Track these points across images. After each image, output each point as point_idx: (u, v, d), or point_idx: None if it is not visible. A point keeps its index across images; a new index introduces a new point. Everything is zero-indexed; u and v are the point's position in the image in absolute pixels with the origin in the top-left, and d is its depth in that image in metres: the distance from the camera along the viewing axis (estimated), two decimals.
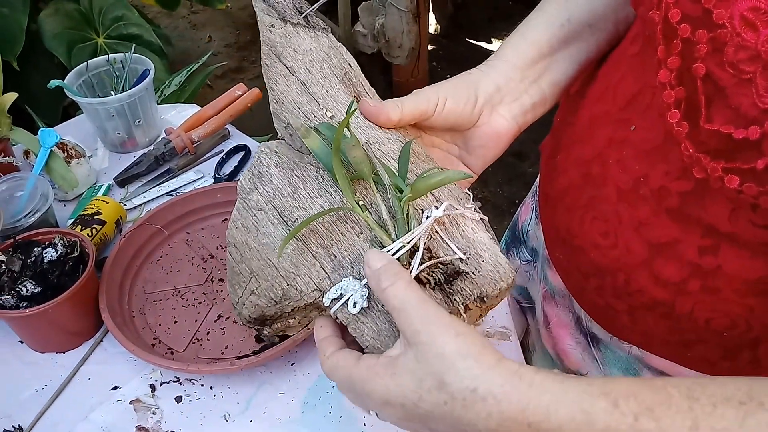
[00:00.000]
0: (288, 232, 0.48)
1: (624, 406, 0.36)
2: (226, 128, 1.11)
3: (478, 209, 0.50)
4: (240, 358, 0.75)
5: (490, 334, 0.78)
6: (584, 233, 0.58)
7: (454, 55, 3.05)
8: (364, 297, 0.44)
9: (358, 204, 0.47)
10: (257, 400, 0.72)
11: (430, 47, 2.88)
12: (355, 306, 0.44)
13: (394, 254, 0.44)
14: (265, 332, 0.51)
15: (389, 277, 0.41)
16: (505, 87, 0.58)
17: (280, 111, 0.55)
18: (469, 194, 0.52)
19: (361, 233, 0.48)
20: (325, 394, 0.73)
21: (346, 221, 0.48)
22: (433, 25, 3.15)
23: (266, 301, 0.48)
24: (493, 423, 0.37)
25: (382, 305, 0.44)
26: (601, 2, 0.60)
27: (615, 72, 0.57)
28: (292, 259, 0.47)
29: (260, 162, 0.52)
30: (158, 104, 1.15)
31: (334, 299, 0.45)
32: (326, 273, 0.47)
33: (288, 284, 0.47)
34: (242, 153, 1.07)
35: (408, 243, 0.44)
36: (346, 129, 0.51)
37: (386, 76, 2.71)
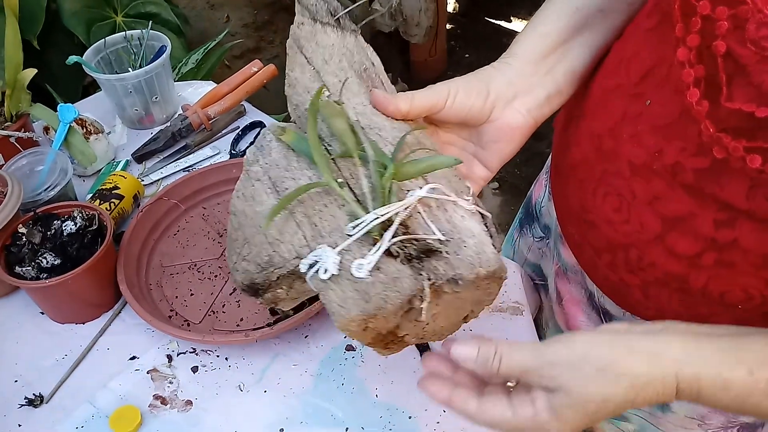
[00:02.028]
0: (278, 200, 0.50)
1: (758, 374, 0.42)
2: (242, 105, 1.12)
3: (479, 204, 0.50)
4: (255, 329, 0.76)
5: (503, 308, 0.78)
6: (596, 208, 0.57)
7: (472, 34, 3.01)
8: (336, 264, 0.45)
9: (336, 180, 0.49)
10: (271, 371, 0.74)
11: (448, 26, 2.85)
12: (326, 272, 0.45)
13: (366, 226, 0.45)
14: (259, 302, 0.53)
15: (493, 357, 0.44)
16: (518, 81, 0.57)
17: (292, 94, 0.58)
18: (469, 187, 0.52)
19: (343, 206, 0.49)
20: (338, 366, 0.73)
21: (330, 194, 0.50)
22: (451, 3, 3.11)
23: (254, 266, 0.49)
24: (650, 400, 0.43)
25: (352, 273, 0.44)
26: None
27: (629, 45, 0.56)
28: (279, 226, 0.49)
29: (264, 137, 0.55)
30: (175, 82, 1.16)
31: (311, 266, 0.46)
32: (306, 241, 0.48)
33: (273, 250, 0.48)
34: (258, 129, 1.08)
35: (382, 216, 0.45)
36: (334, 101, 0.53)
37: (404, 56, 2.69)
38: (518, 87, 0.57)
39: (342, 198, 0.48)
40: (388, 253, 0.45)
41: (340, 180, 0.49)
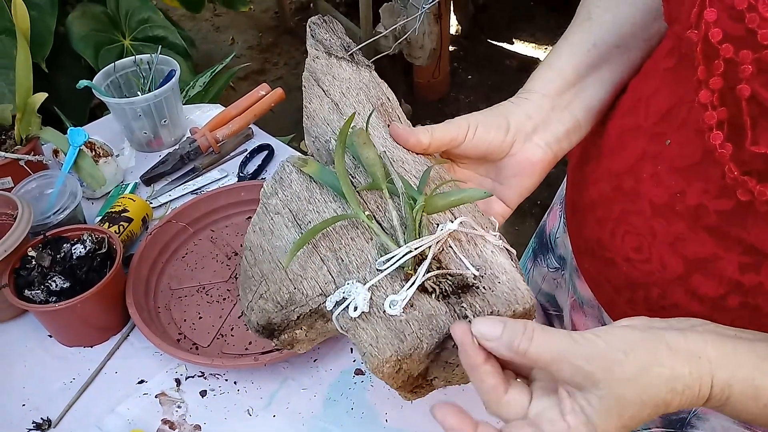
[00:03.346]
0: (300, 234, 0.48)
1: None
2: (250, 128, 1.12)
3: (503, 238, 0.49)
4: (263, 353, 0.76)
5: None
6: (615, 246, 0.57)
7: (475, 56, 3.04)
8: (366, 301, 0.43)
9: (365, 213, 0.47)
10: (280, 396, 0.73)
11: (451, 48, 2.87)
12: (355, 310, 0.43)
13: (398, 260, 0.43)
14: (273, 344, 0.50)
15: (521, 337, 0.39)
16: (537, 115, 0.57)
17: (311, 126, 0.57)
18: (494, 223, 0.51)
19: (371, 239, 0.47)
20: (347, 390, 0.73)
21: (357, 227, 0.48)
22: (454, 26, 3.14)
23: (273, 305, 0.47)
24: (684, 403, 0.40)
25: (384, 311, 0.42)
26: (628, 22, 0.59)
27: (647, 84, 0.56)
28: (301, 261, 0.47)
29: (284, 169, 0.54)
30: (183, 104, 1.17)
31: (338, 302, 0.44)
32: (332, 277, 0.46)
33: (294, 287, 0.46)
34: (265, 152, 1.08)
35: (415, 249, 0.43)
36: (361, 130, 0.52)
37: (407, 78, 2.72)
38: (537, 121, 0.57)
39: (371, 231, 0.46)
40: (421, 288, 0.43)
41: (367, 213, 0.48)
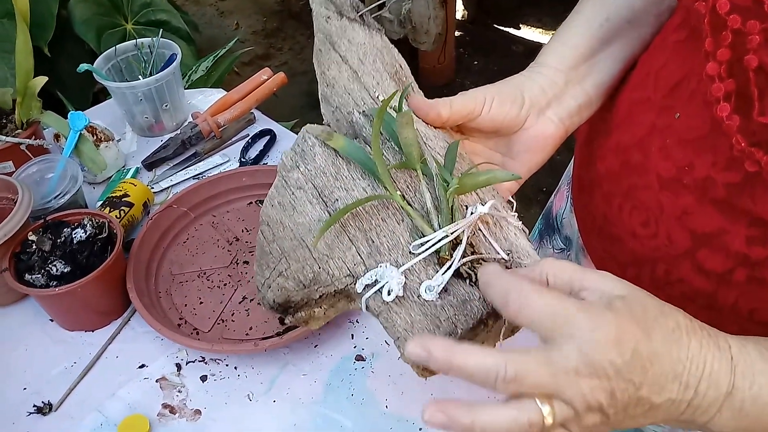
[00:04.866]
0: (326, 212, 0.47)
1: None
2: (252, 113, 1.12)
3: (519, 219, 0.49)
4: (264, 339, 0.76)
5: None
6: (622, 222, 0.56)
7: (481, 41, 3.02)
8: (401, 285, 0.42)
9: (399, 192, 0.46)
10: (280, 381, 0.73)
11: (457, 33, 2.85)
12: (390, 294, 0.42)
13: (435, 244, 0.43)
14: (287, 321, 0.49)
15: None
16: (550, 90, 0.57)
17: (330, 95, 0.55)
18: (512, 202, 0.50)
19: (402, 220, 0.46)
20: (348, 376, 0.73)
21: (387, 207, 0.47)
22: (460, 11, 3.11)
23: (294, 284, 0.46)
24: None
25: (418, 296, 0.42)
26: None
27: (657, 58, 0.55)
28: (327, 241, 0.46)
29: (305, 141, 0.51)
30: (185, 89, 1.16)
31: (368, 285, 0.43)
32: (361, 258, 0.45)
33: (320, 267, 0.45)
34: (267, 137, 1.08)
35: (452, 234, 0.43)
36: (409, 113, 0.50)
37: (413, 62, 2.70)
38: (551, 95, 0.57)
39: (406, 213, 0.45)
40: (456, 273, 0.43)
41: (398, 194, 0.46)
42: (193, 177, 1.02)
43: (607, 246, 0.60)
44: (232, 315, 0.80)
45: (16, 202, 0.78)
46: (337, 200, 0.48)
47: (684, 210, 0.51)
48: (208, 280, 0.85)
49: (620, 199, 0.56)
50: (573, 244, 0.79)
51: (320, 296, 0.46)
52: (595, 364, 0.36)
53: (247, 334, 0.78)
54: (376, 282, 0.43)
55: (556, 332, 0.36)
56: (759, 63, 0.40)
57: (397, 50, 0.60)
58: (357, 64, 0.56)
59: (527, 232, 0.48)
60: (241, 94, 1.11)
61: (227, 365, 0.75)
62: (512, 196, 0.55)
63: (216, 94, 1.19)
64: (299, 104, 2.50)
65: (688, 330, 0.39)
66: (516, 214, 0.48)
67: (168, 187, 1.00)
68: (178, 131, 1.07)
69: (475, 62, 2.90)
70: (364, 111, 0.53)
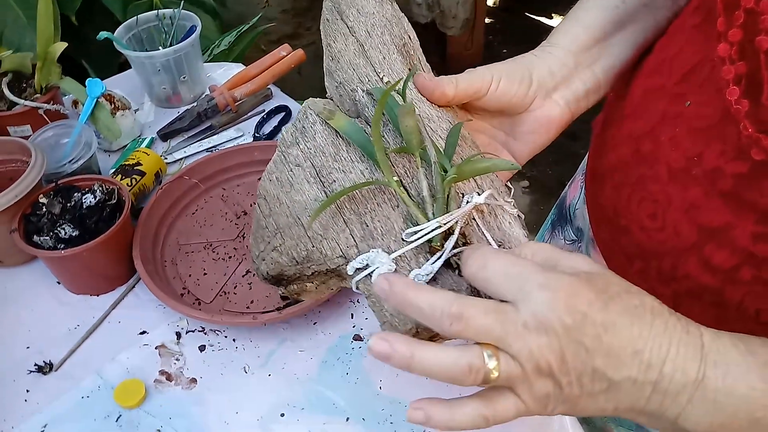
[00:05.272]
0: (323, 192, 0.47)
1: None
2: (269, 88, 1.12)
3: (515, 205, 0.48)
4: (263, 313, 0.76)
5: None
6: (631, 213, 0.55)
7: (512, 29, 2.97)
8: (391, 271, 0.42)
9: (395, 178, 0.46)
10: (277, 356, 0.73)
11: (488, 20, 2.81)
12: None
13: (428, 233, 0.43)
14: (280, 292, 0.50)
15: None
16: (559, 72, 0.56)
17: (335, 69, 0.54)
18: (510, 188, 0.49)
19: (398, 206, 0.46)
20: (344, 355, 0.73)
21: (384, 191, 0.47)
22: None
23: (288, 259, 0.46)
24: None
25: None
26: None
27: (673, 44, 0.54)
28: (322, 221, 0.46)
29: (306, 117, 0.51)
30: (206, 63, 1.17)
31: (359, 269, 0.44)
32: (354, 241, 0.45)
33: (313, 246, 0.45)
34: (283, 114, 1.08)
35: (445, 224, 0.42)
36: (401, 95, 0.50)
37: (440, 47, 2.67)
38: (559, 78, 0.56)
39: (401, 199, 0.45)
40: (446, 263, 0.43)
41: (395, 178, 0.46)
42: (207, 150, 1.02)
43: (615, 237, 0.59)
44: (235, 288, 0.81)
45: (29, 165, 0.79)
46: (335, 181, 0.47)
47: (691, 203, 0.49)
48: (214, 252, 0.86)
49: (630, 189, 0.55)
50: (584, 236, 0.77)
51: (312, 273, 0.46)
52: (544, 321, 0.35)
53: (247, 308, 0.78)
54: (366, 266, 0.43)
55: (511, 291, 0.37)
56: None
57: (407, 20, 0.59)
58: (364, 36, 0.55)
59: (522, 217, 0.47)
60: (260, 69, 1.11)
61: (226, 337, 0.76)
62: (508, 183, 0.53)
63: (235, 69, 1.19)
64: (323, 85, 2.50)
65: (653, 310, 0.37)
66: (512, 201, 0.48)
67: (181, 159, 1.01)
68: (195, 103, 1.08)
69: (504, 50, 2.86)
70: (367, 89, 0.53)
